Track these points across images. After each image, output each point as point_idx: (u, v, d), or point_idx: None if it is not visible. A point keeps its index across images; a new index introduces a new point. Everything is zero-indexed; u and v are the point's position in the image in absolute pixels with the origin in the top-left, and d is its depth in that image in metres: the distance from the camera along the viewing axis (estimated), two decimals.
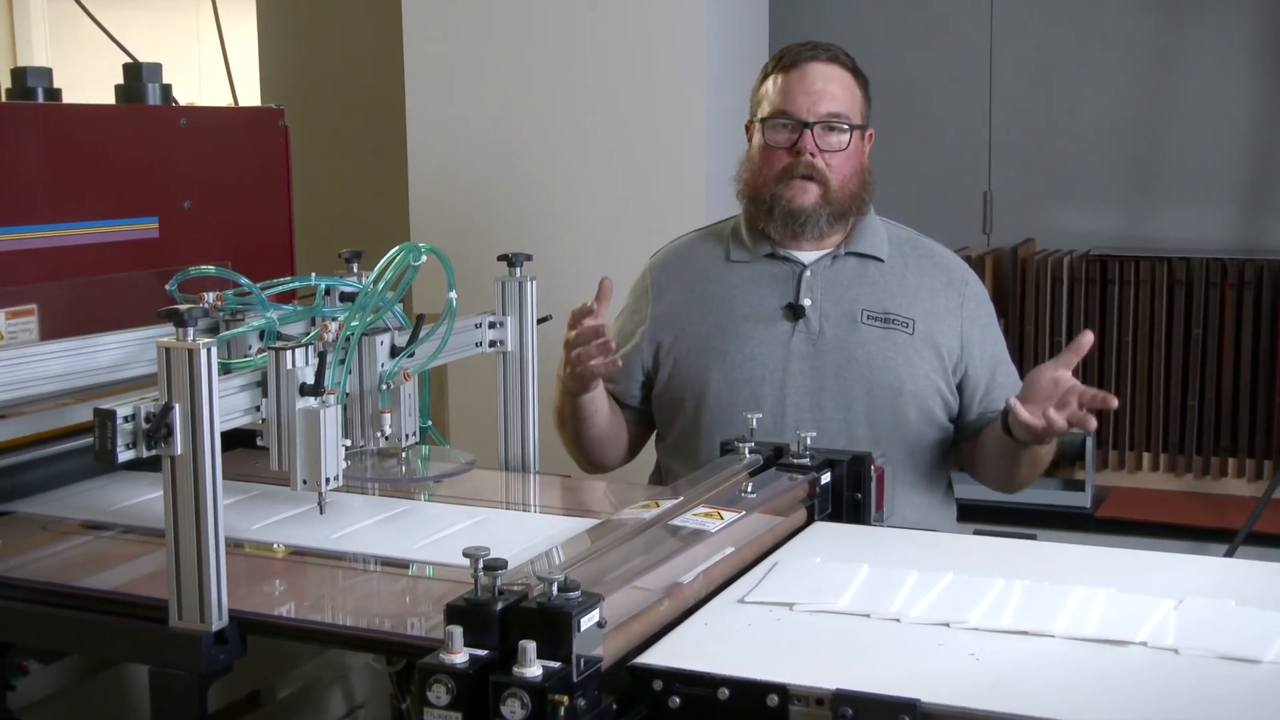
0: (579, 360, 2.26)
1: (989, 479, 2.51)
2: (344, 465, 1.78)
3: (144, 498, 2.02)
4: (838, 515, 2.02)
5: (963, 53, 3.82)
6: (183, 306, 1.55)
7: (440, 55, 3.61)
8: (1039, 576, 1.68)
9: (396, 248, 1.90)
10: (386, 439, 1.90)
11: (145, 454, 1.54)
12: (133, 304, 2.25)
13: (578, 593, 1.37)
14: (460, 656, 1.33)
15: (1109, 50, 3.71)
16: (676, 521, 1.74)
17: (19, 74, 2.37)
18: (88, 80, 3.12)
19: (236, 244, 2.57)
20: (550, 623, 1.34)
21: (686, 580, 1.64)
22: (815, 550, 1.84)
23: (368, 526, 1.92)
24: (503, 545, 1.59)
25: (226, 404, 1.63)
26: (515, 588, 1.41)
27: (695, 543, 1.68)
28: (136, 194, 2.43)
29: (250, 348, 1.90)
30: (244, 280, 1.94)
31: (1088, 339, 2.21)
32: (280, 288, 1.97)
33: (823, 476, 1.99)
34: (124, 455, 1.53)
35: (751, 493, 1.88)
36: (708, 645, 1.50)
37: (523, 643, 1.31)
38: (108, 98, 2.52)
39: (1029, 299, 3.48)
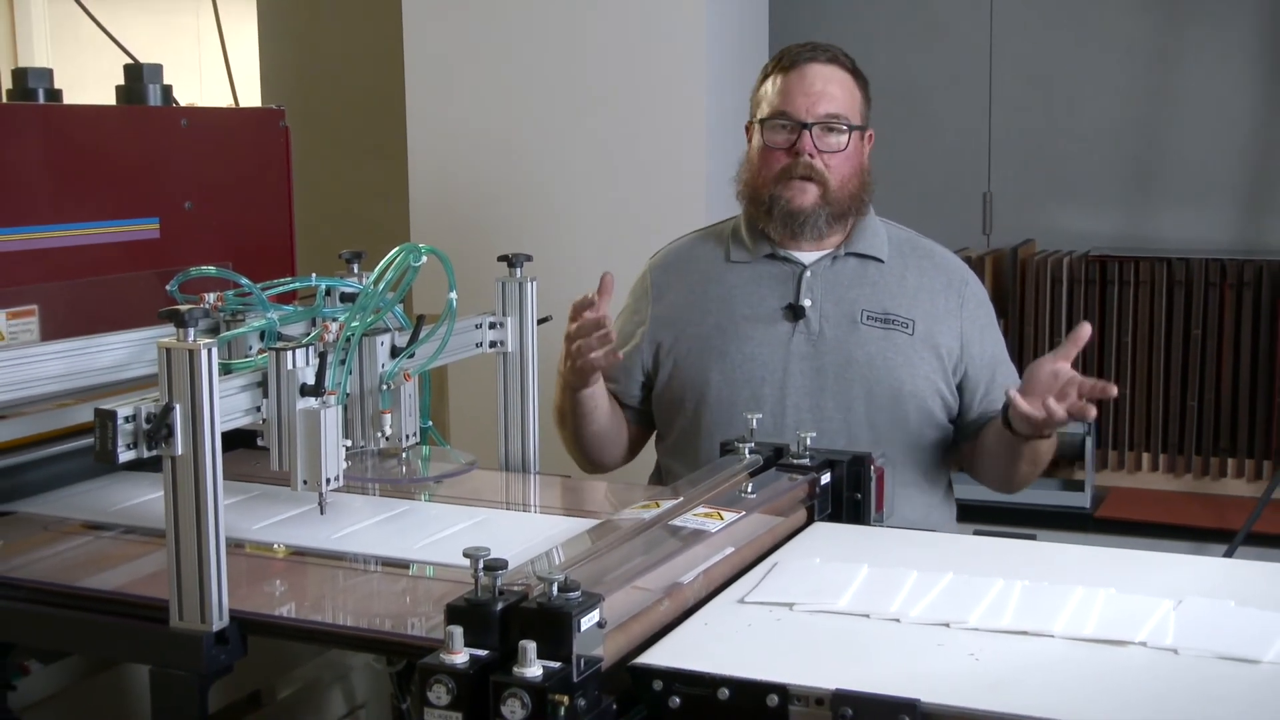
0: (579, 353, 2.25)
1: (989, 478, 2.51)
2: (344, 466, 1.78)
3: (145, 498, 2.02)
4: (838, 515, 2.02)
5: (962, 53, 3.83)
6: (183, 307, 1.56)
7: (440, 55, 3.61)
8: (1039, 576, 1.68)
9: (397, 248, 1.90)
10: (387, 439, 1.91)
11: (146, 454, 1.54)
12: (133, 304, 2.25)
13: (578, 593, 1.37)
14: (460, 656, 1.33)
15: (1109, 51, 3.72)
16: (676, 522, 1.74)
17: (20, 75, 2.38)
18: (88, 81, 3.12)
19: (237, 244, 2.57)
20: (550, 623, 1.34)
21: (686, 580, 1.64)
22: (815, 550, 1.84)
23: (368, 527, 1.92)
24: (503, 545, 1.59)
25: (227, 404, 1.64)
26: (515, 588, 1.42)
27: (695, 543, 1.69)
28: (137, 194, 2.43)
29: (251, 348, 1.90)
30: (244, 281, 1.94)
31: (1085, 331, 2.21)
32: (281, 288, 1.98)
33: (822, 477, 2.00)
34: (125, 455, 1.54)
35: (751, 493, 1.88)
36: (708, 645, 1.50)
37: (523, 643, 1.31)
38: (108, 98, 2.53)
39: (1029, 299, 3.49)
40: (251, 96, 4.24)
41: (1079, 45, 3.74)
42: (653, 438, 2.62)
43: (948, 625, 1.54)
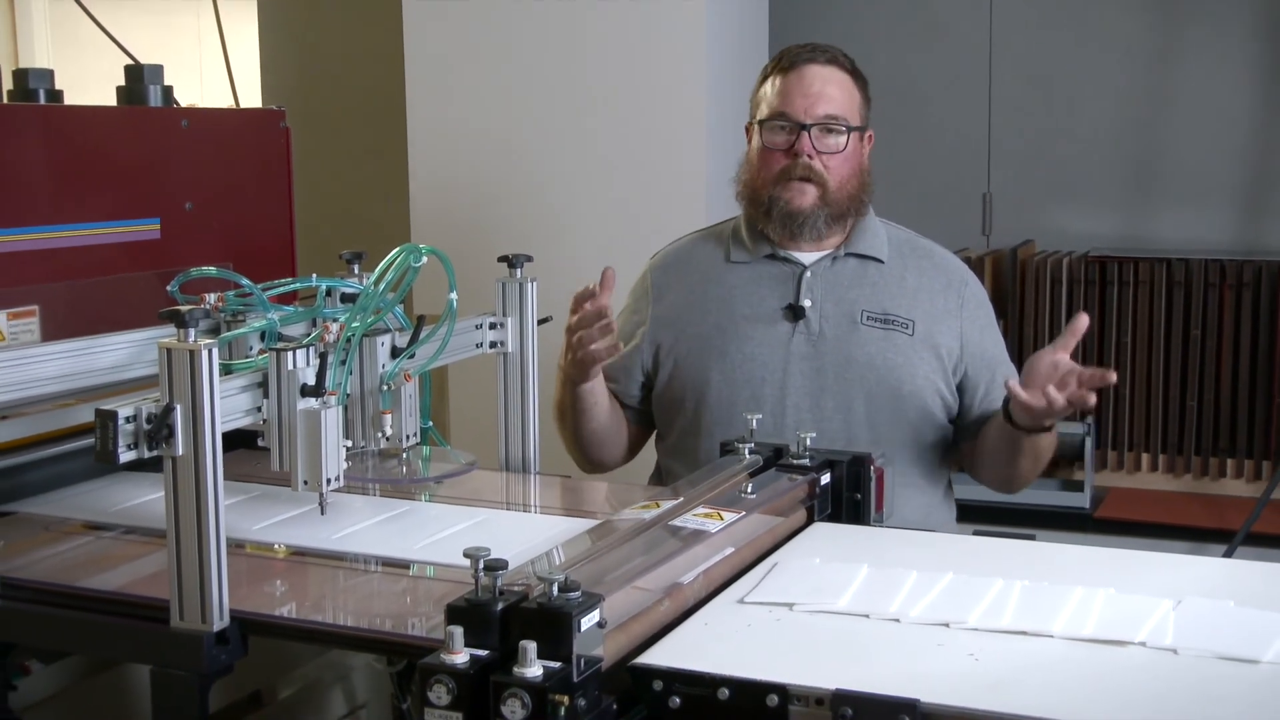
0: (580, 344, 2.25)
1: (990, 477, 2.51)
2: (345, 466, 1.78)
3: (145, 498, 2.03)
4: (837, 516, 2.02)
5: (962, 54, 3.83)
6: (184, 307, 1.56)
7: (440, 56, 3.61)
8: (1038, 577, 1.68)
9: (397, 249, 1.90)
10: (387, 440, 1.91)
11: (147, 455, 1.54)
12: (134, 305, 2.25)
13: (578, 593, 1.37)
14: (461, 657, 1.33)
15: (1109, 51, 3.72)
16: (676, 522, 1.74)
17: (21, 75, 2.38)
18: (89, 82, 3.12)
19: (237, 245, 2.57)
20: (551, 623, 1.34)
21: (686, 580, 1.64)
22: (815, 551, 1.85)
23: (368, 527, 1.92)
24: (503, 546, 1.59)
25: (228, 405, 1.64)
26: (516, 588, 1.42)
27: (695, 543, 1.69)
28: (138, 195, 2.43)
29: (251, 348, 1.90)
30: (245, 281, 1.94)
31: (1083, 321, 2.22)
32: (281, 289, 1.98)
33: (822, 477, 2.00)
34: (125, 456, 1.54)
35: (751, 493, 1.88)
36: (708, 645, 1.50)
37: (523, 643, 1.31)
38: (109, 99, 2.53)
39: (1028, 300, 3.49)
40: (252, 97, 4.25)
41: (1079, 45, 3.74)
42: (652, 438, 2.62)
43: (947, 625, 1.54)
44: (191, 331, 1.54)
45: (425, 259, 1.90)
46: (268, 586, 1.76)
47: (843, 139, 2.42)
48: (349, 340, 1.84)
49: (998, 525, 3.02)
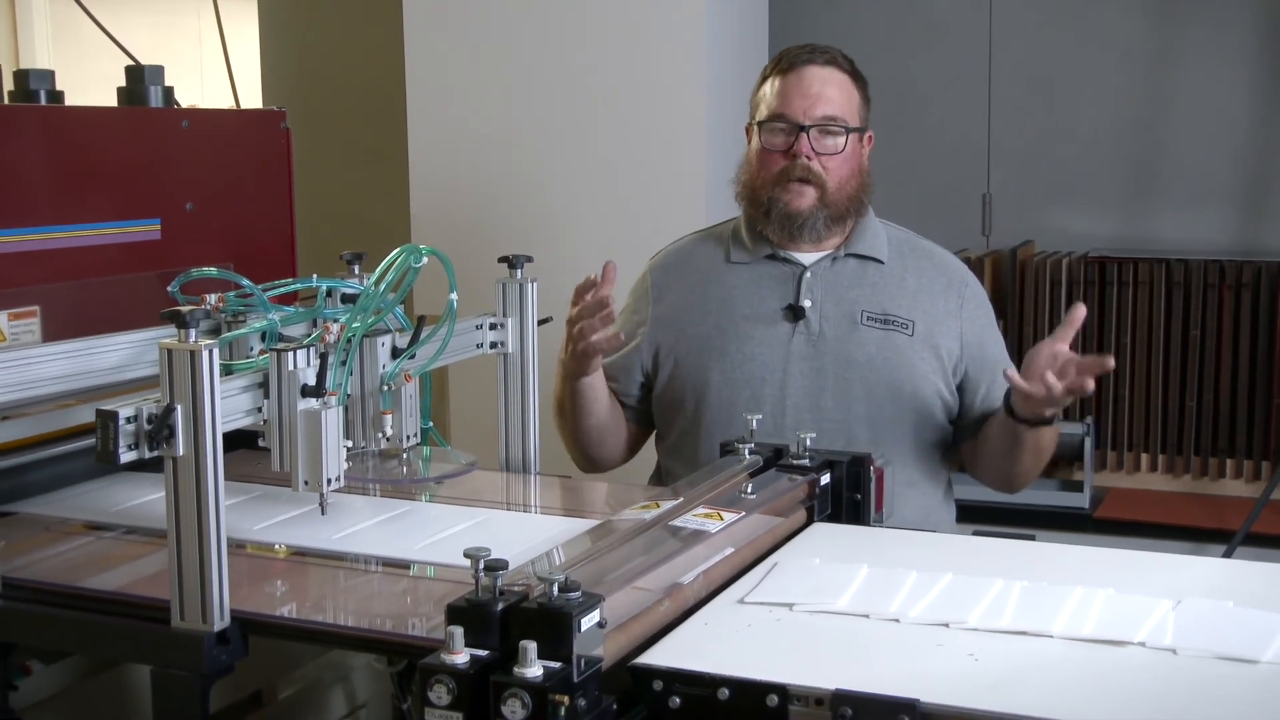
0: (581, 335, 2.25)
1: (990, 476, 2.51)
2: (345, 466, 1.78)
3: (146, 499, 2.03)
4: (837, 516, 2.02)
5: (962, 54, 3.83)
6: (185, 308, 1.56)
7: (440, 56, 3.61)
8: (1038, 577, 1.68)
9: (397, 249, 1.90)
10: (388, 440, 1.91)
11: (147, 455, 1.55)
12: (135, 306, 2.25)
13: (578, 593, 1.37)
14: (461, 657, 1.33)
15: (1108, 52, 3.72)
16: (676, 522, 1.75)
17: (21, 76, 2.38)
18: (90, 82, 3.13)
19: (238, 246, 2.58)
20: (551, 623, 1.34)
21: (686, 581, 1.64)
22: (815, 551, 1.85)
23: (369, 527, 1.92)
24: (503, 546, 1.59)
25: (228, 405, 1.64)
26: (516, 588, 1.42)
27: (695, 543, 1.69)
28: (138, 196, 2.43)
29: (252, 349, 1.90)
30: (246, 282, 1.94)
31: (1080, 311, 2.22)
32: (282, 289, 1.98)
33: (822, 477, 2.00)
34: (126, 456, 1.54)
35: (751, 493, 1.88)
36: (708, 645, 1.50)
37: (523, 643, 1.31)
38: (110, 100, 2.53)
39: (1028, 301, 3.49)
40: (252, 98, 4.25)
41: (1079, 46, 3.74)
42: (652, 438, 2.62)
43: (947, 625, 1.54)
44: (192, 332, 1.54)
45: (425, 259, 1.91)
46: (268, 586, 1.76)
47: (841, 140, 2.42)
48: (349, 341, 1.84)
49: (998, 525, 3.02)
